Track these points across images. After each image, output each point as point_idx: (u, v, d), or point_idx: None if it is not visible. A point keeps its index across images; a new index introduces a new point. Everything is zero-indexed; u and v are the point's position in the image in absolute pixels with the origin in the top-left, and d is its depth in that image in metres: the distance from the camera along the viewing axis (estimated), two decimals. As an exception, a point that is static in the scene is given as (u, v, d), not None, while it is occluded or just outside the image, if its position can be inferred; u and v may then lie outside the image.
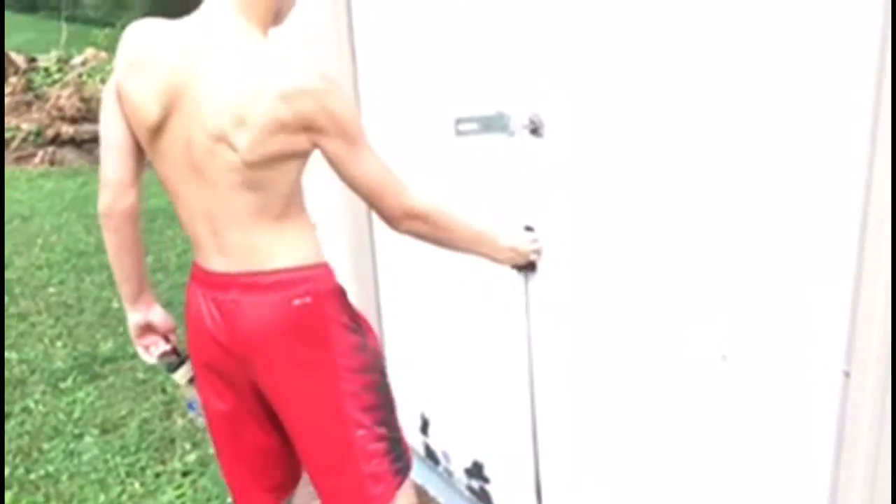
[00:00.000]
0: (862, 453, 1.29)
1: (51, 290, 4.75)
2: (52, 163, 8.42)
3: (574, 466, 1.99)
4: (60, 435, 3.16)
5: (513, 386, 2.11)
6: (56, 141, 8.60)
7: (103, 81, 9.13)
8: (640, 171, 1.62)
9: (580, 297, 1.85)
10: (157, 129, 1.48)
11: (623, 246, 1.70)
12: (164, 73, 1.45)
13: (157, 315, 1.77)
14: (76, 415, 3.32)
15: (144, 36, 1.51)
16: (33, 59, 9.84)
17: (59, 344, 4.03)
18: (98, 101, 8.82)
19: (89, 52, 10.10)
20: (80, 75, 9.32)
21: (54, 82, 9.29)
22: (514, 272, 1.98)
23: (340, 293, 1.62)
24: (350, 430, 1.62)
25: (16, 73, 9.16)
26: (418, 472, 2.64)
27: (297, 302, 1.56)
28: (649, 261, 1.64)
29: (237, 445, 1.74)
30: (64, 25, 11.54)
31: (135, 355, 3.85)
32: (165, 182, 1.56)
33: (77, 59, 10.09)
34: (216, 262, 1.58)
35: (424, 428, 2.62)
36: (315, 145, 1.47)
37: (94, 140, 8.70)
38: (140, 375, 3.65)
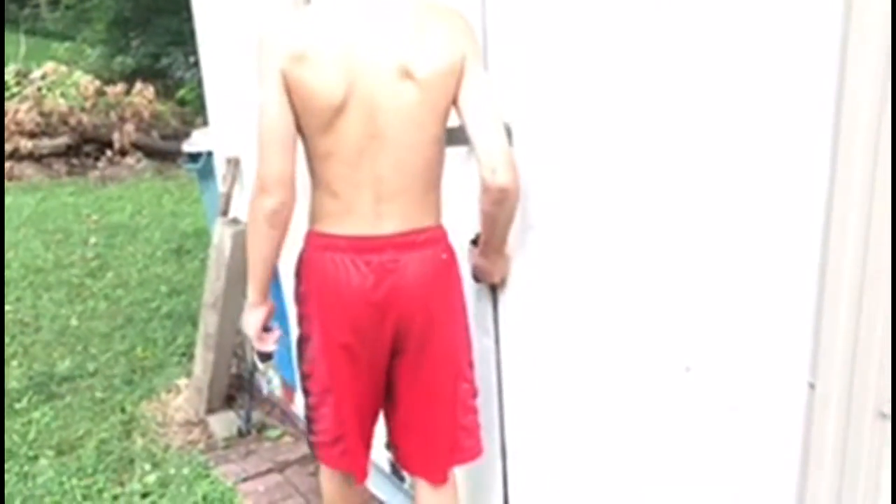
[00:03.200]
0: (828, 465, 1.28)
1: (6, 307, 4.63)
2: (9, 178, 8.25)
3: (542, 481, 1.97)
4: (14, 457, 3.06)
5: (481, 404, 2.09)
6: (14, 156, 8.43)
7: (63, 96, 8.98)
8: (605, 185, 1.61)
9: (545, 311, 1.83)
10: (340, 109, 1.62)
11: (587, 259, 1.69)
12: (339, 52, 1.61)
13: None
14: (31, 436, 3.22)
15: (304, 26, 1.67)
16: (-10, 73, 9.65)
17: (13, 363, 3.92)
18: (59, 115, 8.70)
19: (49, 66, 9.92)
20: (39, 89, 9.15)
21: (13, 96, 9.11)
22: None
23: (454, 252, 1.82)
24: (458, 382, 1.85)
25: (-28, 86, 8.97)
26: (384, 489, 2.60)
27: (444, 256, 1.78)
28: (614, 273, 1.63)
29: (353, 395, 1.84)
30: (23, 39, 11.34)
31: (94, 373, 3.79)
32: (332, 154, 1.68)
33: (36, 73, 9.91)
34: (369, 227, 1.71)
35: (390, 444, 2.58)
36: (463, 62, 1.66)
37: (54, 155, 8.56)
38: (98, 394, 3.57)
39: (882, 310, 1.17)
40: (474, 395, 1.89)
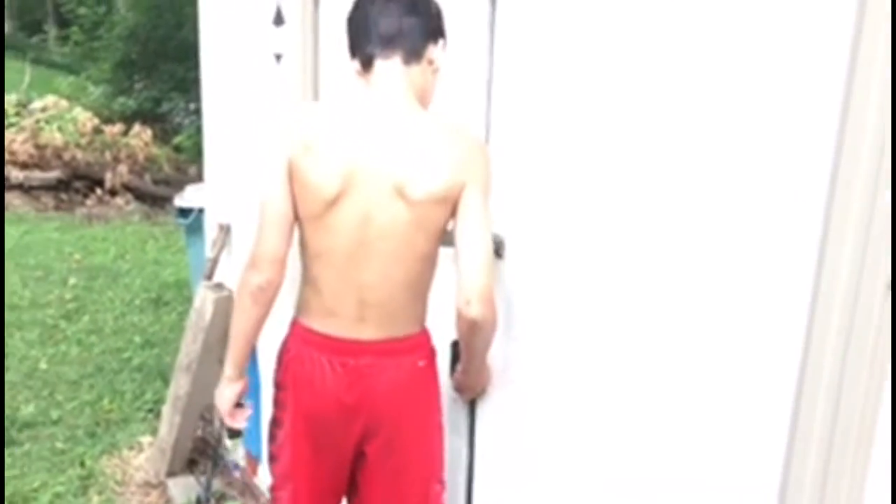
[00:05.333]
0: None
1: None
2: (-6, 207, 8.22)
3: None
4: (-35, 505, 2.99)
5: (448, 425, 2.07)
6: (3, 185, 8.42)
7: (60, 130, 9.02)
8: (589, 298, 1.65)
9: (525, 419, 1.84)
10: (332, 204, 1.66)
11: (571, 372, 1.71)
12: (342, 153, 1.65)
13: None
14: (-16, 483, 3.16)
15: (315, 122, 1.72)
16: (-9, 101, 9.70)
17: (-24, 403, 3.85)
18: (54, 148, 8.72)
19: (50, 99, 9.99)
20: (37, 121, 9.19)
21: (10, 125, 9.15)
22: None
23: (435, 355, 1.83)
24: (431, 484, 1.86)
25: (-29, 112, 9.00)
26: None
27: (421, 363, 1.79)
28: (597, 386, 1.65)
29: (311, 486, 1.86)
30: (28, 69, 11.43)
31: (56, 422, 3.73)
32: (322, 254, 1.71)
33: (37, 104, 9.97)
34: (350, 330, 1.74)
35: None
36: (461, 192, 1.66)
37: (43, 188, 8.55)
38: (59, 444, 3.51)
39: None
40: (442, 491, 1.91)
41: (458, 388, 1.96)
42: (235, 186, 3.12)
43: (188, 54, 7.97)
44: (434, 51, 1.74)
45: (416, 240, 1.69)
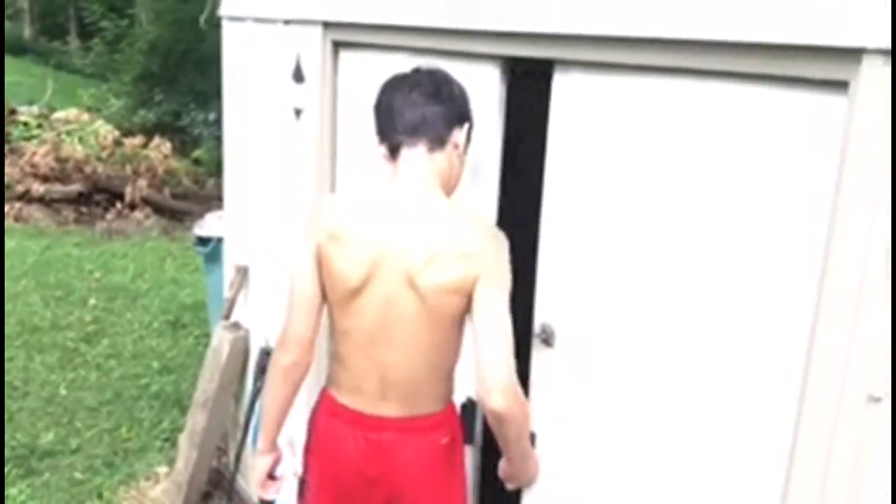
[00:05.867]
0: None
1: (-2, 366, 4.67)
2: (17, 219, 8.35)
3: None
4: (-13, 537, 3.07)
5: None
6: (24, 197, 8.55)
7: (81, 141, 9.15)
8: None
9: None
10: (359, 290, 1.73)
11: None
12: (371, 243, 1.71)
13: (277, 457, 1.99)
14: (6, 515, 3.24)
15: (343, 210, 1.78)
16: (13, 111, 9.84)
17: (-1, 430, 3.94)
18: (75, 162, 8.84)
19: (72, 111, 10.13)
20: (58, 134, 9.33)
21: (32, 137, 9.28)
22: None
23: (461, 430, 1.89)
24: None
25: (-5, 123, 9.15)
26: None
27: (443, 440, 1.84)
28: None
29: None
30: (50, 82, 11.57)
31: (76, 450, 3.81)
32: (348, 334, 1.79)
33: (60, 115, 10.10)
34: (373, 407, 1.81)
35: None
36: (474, 284, 1.68)
37: (63, 201, 8.66)
38: (78, 475, 3.60)
39: None
40: None
41: (505, 478, 1.93)
42: (253, 230, 3.20)
43: (208, 67, 8.06)
44: (459, 135, 1.80)
45: (432, 327, 1.74)
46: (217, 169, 7.05)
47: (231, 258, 3.45)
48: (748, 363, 1.50)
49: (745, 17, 1.42)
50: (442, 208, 1.76)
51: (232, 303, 3.32)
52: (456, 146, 1.80)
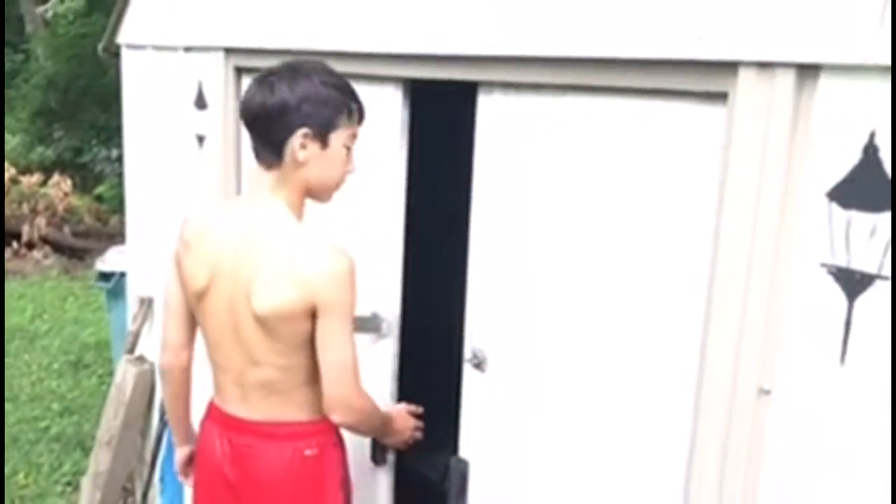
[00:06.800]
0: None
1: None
2: None
3: None
4: None
5: None
6: None
7: None
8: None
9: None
10: (203, 295, 1.76)
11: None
12: (210, 250, 1.74)
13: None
14: None
15: (198, 220, 1.82)
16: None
17: None
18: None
19: None
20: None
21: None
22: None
23: (343, 447, 1.86)
24: None
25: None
26: None
27: (308, 452, 1.79)
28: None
29: None
30: None
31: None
32: (206, 335, 1.82)
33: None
34: (236, 408, 1.82)
35: None
36: (313, 311, 1.67)
37: None
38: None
39: None
40: None
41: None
42: (157, 260, 3.12)
43: (111, 102, 7.86)
44: (296, 144, 1.64)
45: (273, 346, 1.74)
46: (121, 205, 6.82)
47: (135, 290, 3.36)
48: (657, 371, 1.54)
49: (634, 34, 1.48)
50: (283, 227, 1.69)
51: (136, 335, 3.23)
52: (294, 158, 1.65)
